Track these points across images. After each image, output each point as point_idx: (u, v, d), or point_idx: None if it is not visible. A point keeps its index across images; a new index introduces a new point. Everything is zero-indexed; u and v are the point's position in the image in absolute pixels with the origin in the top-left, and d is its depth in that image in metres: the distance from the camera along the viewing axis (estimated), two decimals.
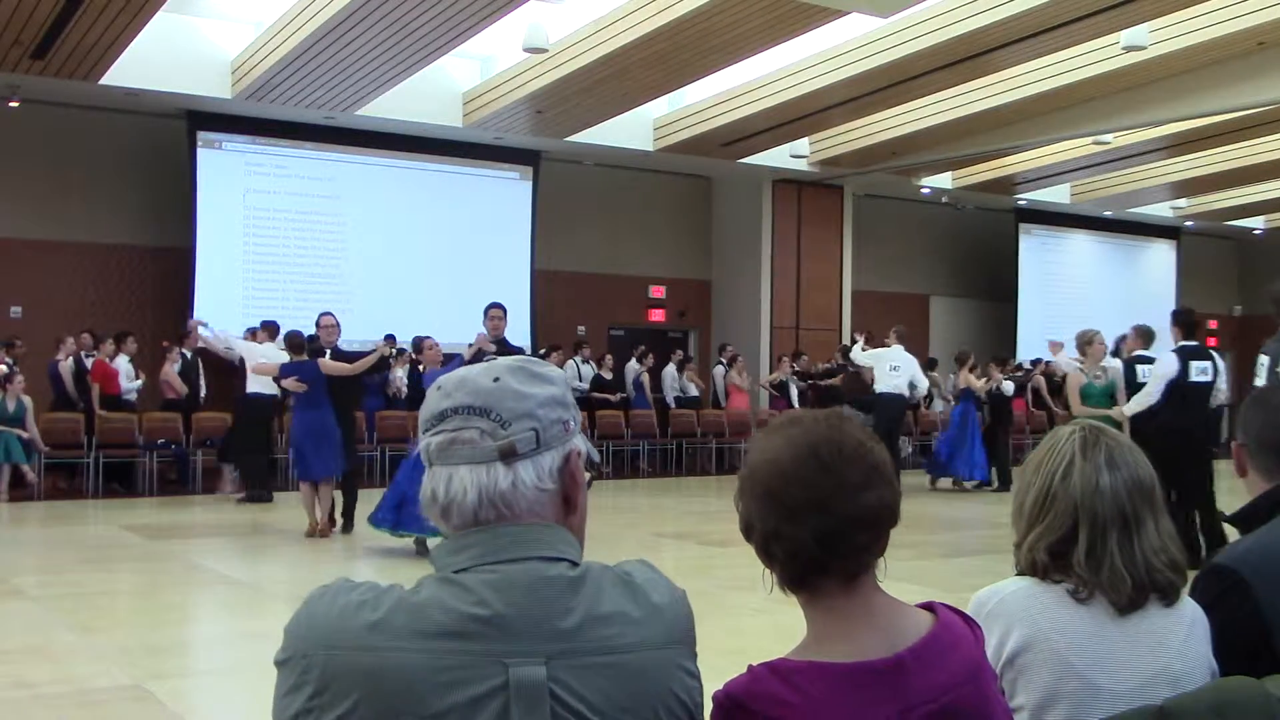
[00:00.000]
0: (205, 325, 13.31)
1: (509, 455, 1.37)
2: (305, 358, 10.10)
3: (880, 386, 13.72)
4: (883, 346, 14.31)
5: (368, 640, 1.28)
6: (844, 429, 1.53)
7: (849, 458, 1.50)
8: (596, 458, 1.49)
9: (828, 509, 1.48)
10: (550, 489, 1.39)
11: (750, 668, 1.47)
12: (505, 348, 9.09)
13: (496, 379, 1.39)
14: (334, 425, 9.90)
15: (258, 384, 12.23)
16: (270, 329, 12.72)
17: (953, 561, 9.37)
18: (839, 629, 1.49)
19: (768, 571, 1.56)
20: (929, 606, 1.55)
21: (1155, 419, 8.75)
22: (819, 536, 1.48)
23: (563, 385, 1.44)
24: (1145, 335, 9.75)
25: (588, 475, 1.46)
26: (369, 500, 9.55)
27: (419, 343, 13.77)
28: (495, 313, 9.20)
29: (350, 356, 10.43)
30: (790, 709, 1.42)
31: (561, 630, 1.31)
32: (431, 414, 1.41)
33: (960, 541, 10.92)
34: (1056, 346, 10.97)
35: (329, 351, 10.16)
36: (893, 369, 13.77)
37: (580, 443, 1.45)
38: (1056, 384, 16.66)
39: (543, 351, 14.96)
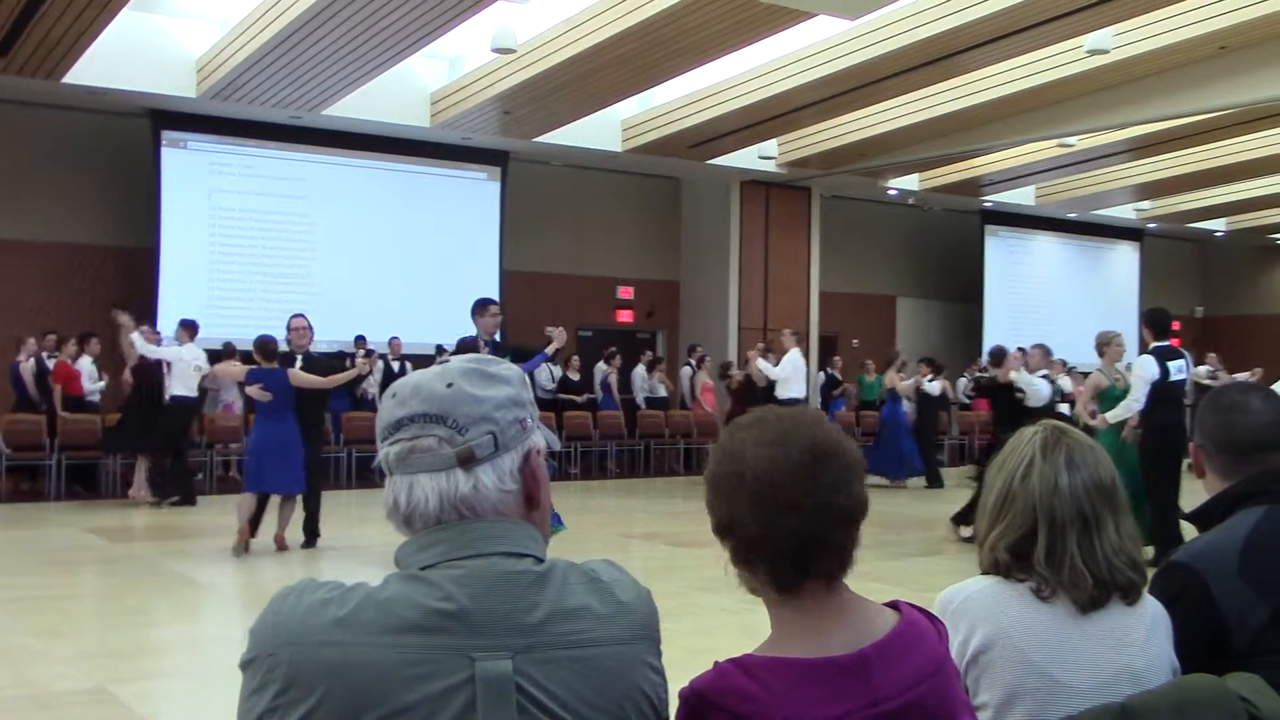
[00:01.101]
0: (128, 317, 12.44)
1: (468, 461, 1.37)
2: (275, 365, 9.37)
3: (789, 393, 13.59)
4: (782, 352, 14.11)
5: (333, 636, 1.28)
6: (825, 428, 1.54)
7: (833, 457, 1.51)
8: (556, 445, 1.49)
9: (815, 509, 1.48)
10: (512, 489, 1.40)
11: (716, 664, 1.47)
12: (498, 346, 8.77)
13: (450, 384, 1.39)
14: (298, 439, 9.21)
15: (181, 387, 12.03)
16: (189, 328, 12.40)
17: (916, 560, 9.42)
18: (807, 626, 1.50)
19: (736, 570, 1.55)
20: (893, 605, 1.56)
21: (1149, 419, 8.92)
22: (808, 537, 1.48)
23: (518, 383, 1.44)
24: (1047, 353, 10.74)
25: (547, 465, 1.46)
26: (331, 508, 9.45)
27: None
28: (495, 309, 8.81)
29: (323, 365, 9.85)
30: (755, 704, 1.42)
31: (527, 625, 1.31)
32: (388, 423, 1.40)
33: (922, 541, 10.97)
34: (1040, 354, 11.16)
35: (300, 358, 9.55)
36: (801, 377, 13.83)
37: (539, 438, 1.45)
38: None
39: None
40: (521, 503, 1.41)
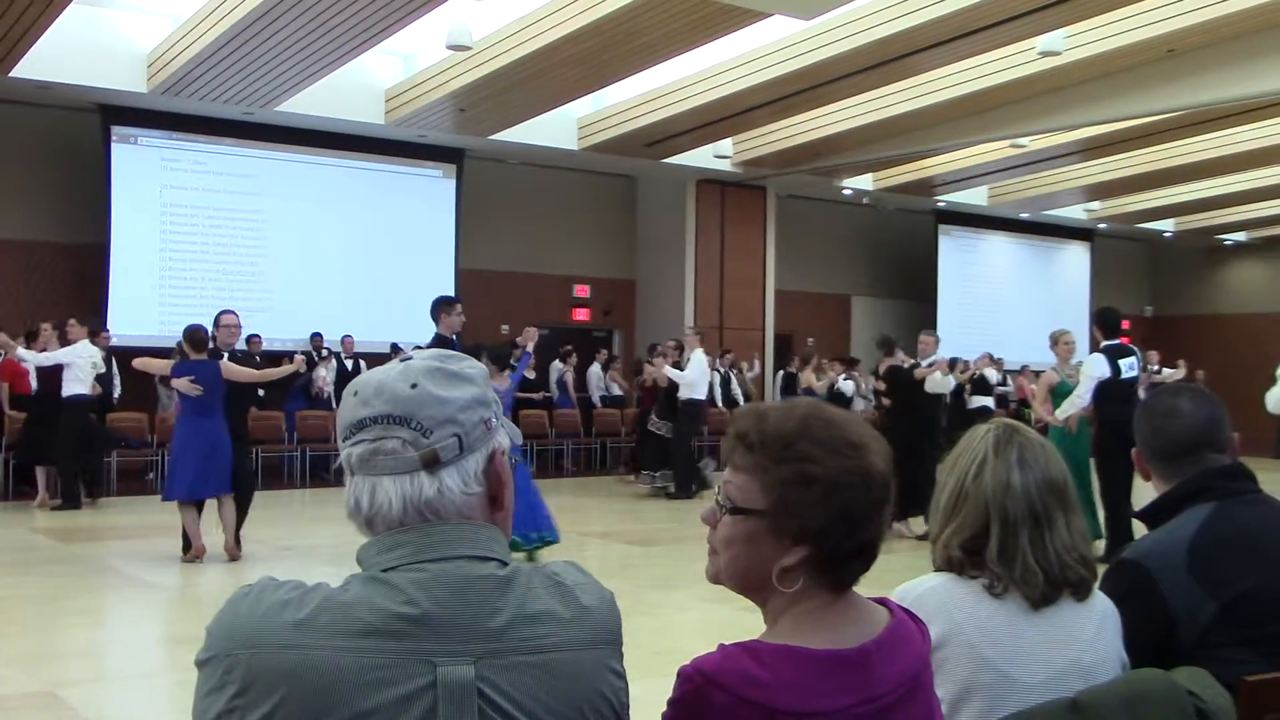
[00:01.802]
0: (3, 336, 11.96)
1: (432, 464, 1.35)
2: (205, 357, 8.80)
3: (695, 394, 13.41)
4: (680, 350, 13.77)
5: (293, 639, 1.26)
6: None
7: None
8: (519, 440, 1.47)
9: (882, 519, 1.53)
10: (477, 492, 1.38)
11: (721, 646, 1.46)
12: (454, 344, 8.41)
13: (414, 385, 1.37)
14: (226, 438, 8.69)
15: (77, 385, 11.59)
16: (87, 326, 11.90)
17: None
18: (818, 620, 1.51)
19: (785, 567, 1.49)
20: (882, 602, 1.59)
21: (1101, 416, 9.03)
22: (869, 542, 1.52)
23: (483, 382, 1.42)
24: (938, 342, 11.17)
25: (512, 462, 1.45)
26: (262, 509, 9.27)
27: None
28: (459, 308, 8.57)
29: (257, 363, 9.41)
30: (761, 688, 1.41)
31: (490, 630, 1.30)
32: (350, 422, 1.38)
33: None
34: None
35: (225, 356, 8.98)
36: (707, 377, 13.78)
37: (503, 438, 1.43)
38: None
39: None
40: (485, 505, 1.40)
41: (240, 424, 9.18)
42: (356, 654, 1.25)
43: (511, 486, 1.43)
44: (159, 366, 9.32)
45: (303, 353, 13.51)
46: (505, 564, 1.37)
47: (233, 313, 9.30)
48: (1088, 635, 1.94)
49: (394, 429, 1.35)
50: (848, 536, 1.48)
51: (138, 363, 9.39)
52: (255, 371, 9.23)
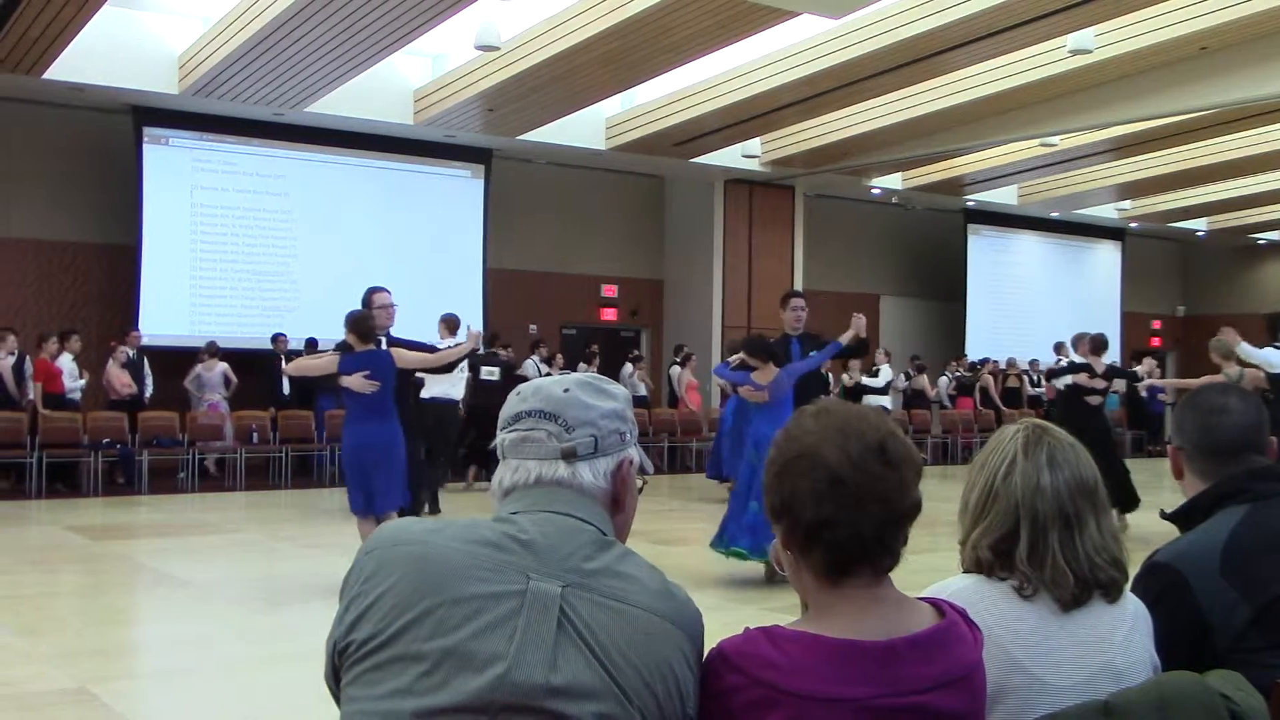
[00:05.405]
0: None
1: (570, 456, 1.60)
2: (372, 347, 7.47)
3: (431, 391, 12.52)
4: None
5: (423, 538, 1.52)
6: (894, 427, 1.62)
7: (906, 455, 1.59)
8: (650, 469, 1.70)
9: (889, 503, 1.56)
10: (603, 487, 1.61)
11: (746, 629, 1.53)
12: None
13: (566, 390, 1.63)
14: (402, 441, 7.39)
15: None
16: None
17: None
18: (843, 611, 1.55)
19: (785, 554, 1.61)
20: (938, 607, 1.60)
21: None
22: (877, 528, 1.55)
23: (624, 401, 1.67)
24: (1098, 344, 11.21)
25: (639, 482, 1.68)
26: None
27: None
28: (798, 301, 9.11)
29: (413, 346, 8.11)
30: (776, 671, 1.47)
31: (582, 569, 1.50)
32: (509, 415, 1.65)
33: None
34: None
35: (384, 343, 7.76)
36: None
37: (635, 453, 1.67)
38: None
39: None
40: (609, 502, 1.62)
41: (409, 416, 7.98)
42: (468, 554, 1.49)
43: (635, 496, 1.66)
44: (321, 365, 7.69)
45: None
46: (608, 536, 1.58)
47: (386, 290, 8.00)
48: (1119, 637, 1.92)
49: (543, 422, 1.61)
50: (798, 519, 1.56)
51: (292, 367, 8.23)
52: (432, 355, 8.12)
